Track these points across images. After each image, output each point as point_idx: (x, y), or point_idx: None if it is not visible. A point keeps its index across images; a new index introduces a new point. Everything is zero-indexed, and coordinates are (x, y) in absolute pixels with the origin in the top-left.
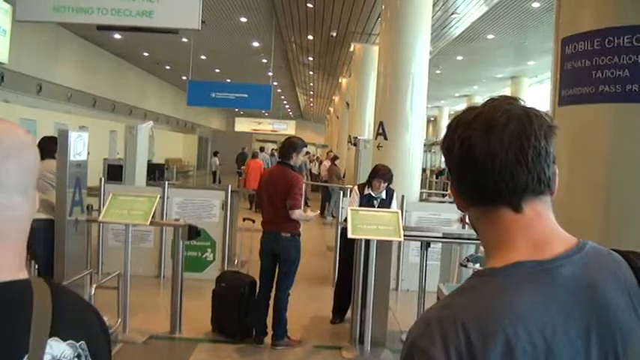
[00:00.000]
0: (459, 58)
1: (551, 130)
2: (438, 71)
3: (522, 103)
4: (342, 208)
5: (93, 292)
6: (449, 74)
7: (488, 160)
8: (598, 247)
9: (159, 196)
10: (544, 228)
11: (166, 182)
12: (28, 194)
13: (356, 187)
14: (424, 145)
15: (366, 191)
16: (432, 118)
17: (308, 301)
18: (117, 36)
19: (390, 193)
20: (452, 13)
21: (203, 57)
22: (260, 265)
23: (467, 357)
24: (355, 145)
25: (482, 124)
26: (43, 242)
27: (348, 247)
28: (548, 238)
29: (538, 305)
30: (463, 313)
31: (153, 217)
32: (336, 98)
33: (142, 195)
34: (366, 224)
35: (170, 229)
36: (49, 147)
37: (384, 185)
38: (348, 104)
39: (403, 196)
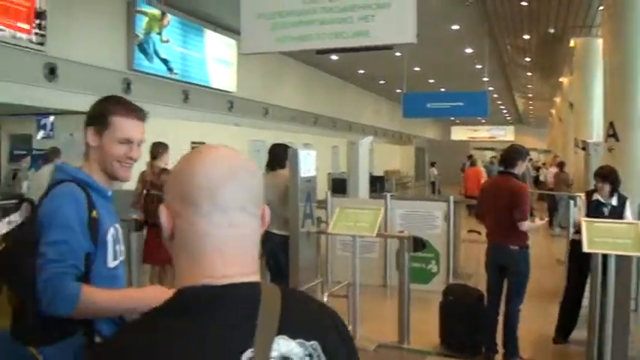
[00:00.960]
0: None
1: None
2: None
3: None
4: (571, 218)
5: (325, 299)
6: None
7: None
8: None
9: (383, 208)
10: None
11: (388, 194)
12: (250, 212)
13: (583, 195)
14: None
15: (594, 197)
16: None
17: (534, 318)
18: (334, 57)
19: (622, 199)
20: None
21: (417, 68)
22: (487, 278)
23: None
24: (584, 149)
25: None
26: (283, 254)
27: (577, 261)
28: None
29: None
30: None
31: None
32: (558, 99)
33: (368, 207)
34: (602, 237)
35: (394, 240)
36: (281, 156)
37: (607, 187)
38: (571, 105)
39: None
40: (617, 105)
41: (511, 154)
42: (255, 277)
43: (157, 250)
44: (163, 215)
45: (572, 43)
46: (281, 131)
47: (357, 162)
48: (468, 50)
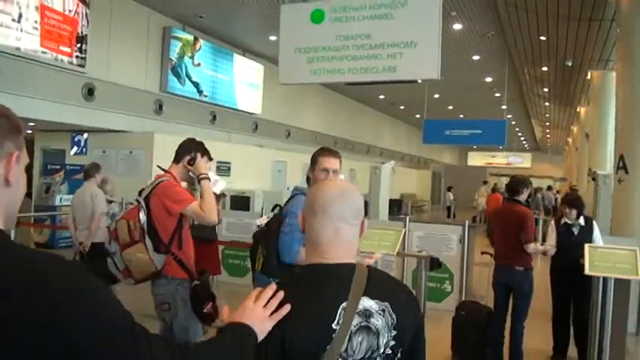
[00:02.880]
0: None
1: None
2: None
3: None
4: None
5: None
6: None
7: None
8: None
9: (405, 229)
10: None
11: (407, 217)
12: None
13: (552, 222)
14: None
15: (562, 221)
16: None
17: (536, 336)
18: None
19: (589, 220)
20: None
21: (436, 95)
22: (494, 296)
23: None
24: (594, 179)
25: None
26: None
27: (557, 285)
28: None
29: None
30: None
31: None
32: (575, 128)
33: (390, 228)
34: (604, 262)
35: (410, 260)
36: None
37: (574, 212)
38: (587, 135)
39: None
40: (627, 138)
41: (516, 184)
42: (353, 260)
43: (200, 261)
44: (300, 218)
45: (588, 76)
46: (301, 153)
47: (379, 185)
48: (488, 79)
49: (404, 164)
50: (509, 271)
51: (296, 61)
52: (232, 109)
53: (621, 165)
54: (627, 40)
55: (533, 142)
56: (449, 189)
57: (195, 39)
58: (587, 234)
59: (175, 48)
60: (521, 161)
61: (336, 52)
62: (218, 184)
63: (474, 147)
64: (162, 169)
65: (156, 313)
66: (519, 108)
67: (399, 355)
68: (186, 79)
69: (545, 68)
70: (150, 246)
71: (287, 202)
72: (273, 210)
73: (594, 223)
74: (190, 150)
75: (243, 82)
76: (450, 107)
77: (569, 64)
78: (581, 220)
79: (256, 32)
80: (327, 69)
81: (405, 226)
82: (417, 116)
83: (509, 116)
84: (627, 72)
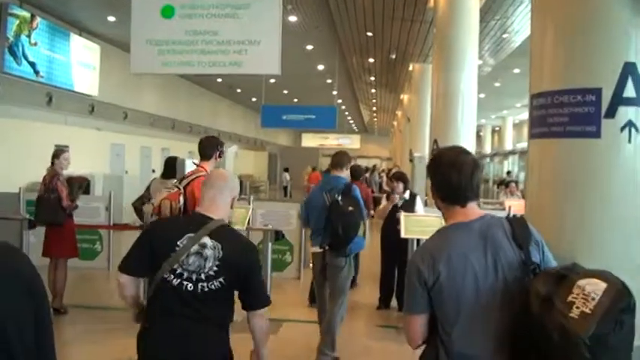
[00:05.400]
0: (517, 71)
1: (477, 165)
2: (497, 84)
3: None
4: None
5: None
6: (508, 86)
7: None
8: (495, 216)
9: (252, 207)
10: (471, 212)
11: (252, 196)
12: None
13: (385, 195)
14: (488, 156)
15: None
16: (497, 128)
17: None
18: None
19: (413, 194)
20: (503, 33)
21: (272, 80)
22: None
23: (431, 264)
24: (411, 160)
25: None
26: None
27: (387, 246)
28: (470, 214)
29: (463, 240)
30: (432, 245)
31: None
32: (399, 113)
33: (238, 207)
34: (415, 227)
35: (255, 234)
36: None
37: (401, 185)
38: (409, 119)
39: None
40: (440, 125)
41: (359, 169)
42: (217, 217)
43: (51, 245)
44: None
45: (410, 67)
46: (140, 135)
47: (225, 168)
48: (320, 67)
49: (241, 146)
50: None
51: (147, 52)
52: (69, 90)
53: (435, 148)
54: (441, 39)
55: (361, 124)
56: (286, 170)
57: (32, 16)
58: (409, 207)
59: (12, 26)
60: (351, 142)
61: (187, 45)
62: None
63: (308, 129)
64: (196, 164)
65: None
66: (348, 93)
67: (221, 279)
68: (23, 58)
69: (371, 60)
70: None
71: (346, 186)
72: (330, 191)
73: (418, 197)
74: (216, 145)
75: (80, 63)
76: (285, 92)
77: (393, 57)
78: (407, 195)
79: (94, 12)
80: (178, 61)
81: (249, 204)
82: (254, 99)
83: (339, 101)
84: (441, 69)
